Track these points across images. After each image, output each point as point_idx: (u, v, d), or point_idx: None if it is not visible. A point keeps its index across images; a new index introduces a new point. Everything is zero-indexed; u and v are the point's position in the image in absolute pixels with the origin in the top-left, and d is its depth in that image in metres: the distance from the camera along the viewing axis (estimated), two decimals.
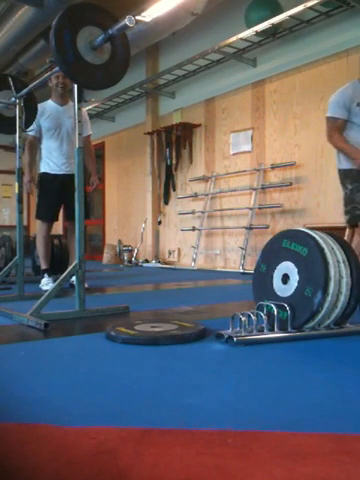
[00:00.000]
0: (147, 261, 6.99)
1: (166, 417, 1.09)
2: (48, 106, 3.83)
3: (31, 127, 3.61)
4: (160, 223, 7.21)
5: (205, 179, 6.31)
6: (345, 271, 1.89)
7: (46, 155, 3.81)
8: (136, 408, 1.16)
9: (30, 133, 3.68)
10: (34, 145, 3.84)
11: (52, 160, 3.78)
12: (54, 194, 3.79)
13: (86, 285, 3.70)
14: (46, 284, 3.68)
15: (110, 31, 2.36)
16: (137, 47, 5.80)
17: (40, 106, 3.68)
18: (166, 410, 1.14)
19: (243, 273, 5.27)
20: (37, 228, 3.91)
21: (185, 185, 6.72)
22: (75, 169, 2.56)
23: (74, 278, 3.81)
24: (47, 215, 3.83)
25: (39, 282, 3.78)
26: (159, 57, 7.18)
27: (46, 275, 3.77)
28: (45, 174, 3.80)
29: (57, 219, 3.91)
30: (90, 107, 7.69)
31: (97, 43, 2.38)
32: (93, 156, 4.11)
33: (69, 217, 3.79)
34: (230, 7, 5.77)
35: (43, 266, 3.83)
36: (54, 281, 3.59)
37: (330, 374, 1.46)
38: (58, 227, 9.92)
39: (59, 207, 3.89)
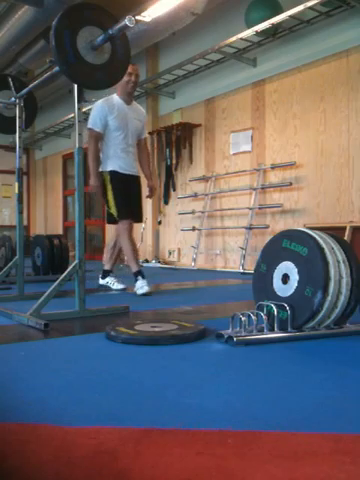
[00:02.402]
0: (147, 261, 6.99)
1: (166, 417, 1.09)
2: (116, 103, 3.60)
3: (91, 121, 3.52)
4: (160, 223, 7.21)
5: (205, 179, 6.31)
6: (345, 271, 1.89)
7: (114, 154, 3.56)
8: (136, 408, 1.16)
9: (97, 128, 3.51)
10: (99, 141, 3.59)
11: (120, 159, 3.59)
12: (127, 191, 3.61)
13: (123, 286, 3.71)
14: (141, 287, 3.43)
15: (110, 31, 2.36)
16: (137, 47, 5.80)
17: (106, 101, 3.56)
18: (166, 410, 1.14)
19: (243, 273, 5.27)
20: (120, 230, 3.62)
21: (185, 185, 6.72)
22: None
23: (103, 280, 3.79)
24: (130, 213, 3.61)
25: (39, 282, 3.77)
26: (159, 57, 7.18)
27: (139, 278, 3.48)
28: (115, 173, 3.56)
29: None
30: (90, 107, 7.68)
31: (97, 43, 2.39)
32: (149, 160, 3.93)
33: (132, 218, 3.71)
34: (230, 7, 5.77)
35: (134, 269, 3.54)
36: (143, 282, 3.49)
37: (330, 374, 1.46)
38: (58, 227, 9.95)
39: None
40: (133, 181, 3.64)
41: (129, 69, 3.39)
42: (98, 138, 3.55)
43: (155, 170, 7.12)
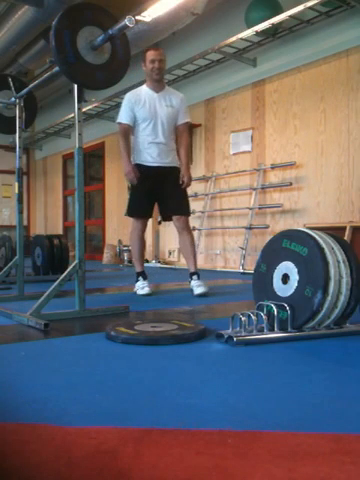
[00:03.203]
0: (147, 261, 6.99)
1: (166, 417, 1.09)
2: (143, 93, 3.50)
3: (119, 115, 3.49)
4: (160, 223, 7.18)
5: (205, 179, 6.31)
6: (345, 271, 1.89)
7: (141, 147, 3.48)
8: (136, 408, 1.16)
9: (123, 121, 3.46)
10: (128, 133, 3.51)
11: (146, 151, 3.46)
12: (146, 189, 3.47)
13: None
14: (141, 288, 3.43)
15: (110, 31, 2.36)
16: (137, 47, 5.80)
17: (133, 93, 3.51)
18: (166, 410, 1.14)
19: (243, 273, 5.27)
20: (131, 227, 3.60)
21: None
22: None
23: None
24: (138, 211, 3.53)
25: (39, 282, 3.76)
26: None
27: (141, 278, 3.48)
28: (139, 166, 3.46)
29: (151, 216, 3.61)
30: (90, 107, 7.69)
31: (97, 43, 2.39)
32: (188, 148, 3.61)
33: (164, 215, 3.62)
34: (230, 7, 5.77)
35: (137, 269, 3.53)
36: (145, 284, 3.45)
37: (330, 374, 1.46)
38: (58, 227, 9.95)
39: (152, 203, 3.57)
40: (164, 173, 3.46)
41: (151, 56, 3.39)
42: (125, 131, 3.49)
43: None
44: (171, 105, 3.48)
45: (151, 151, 3.46)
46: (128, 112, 3.47)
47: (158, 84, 3.49)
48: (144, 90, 3.52)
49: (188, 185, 3.53)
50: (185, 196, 3.58)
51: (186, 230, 3.53)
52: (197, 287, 3.38)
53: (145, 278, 3.52)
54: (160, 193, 3.51)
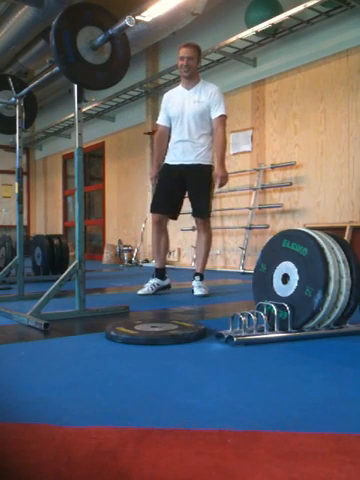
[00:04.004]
0: (147, 261, 6.99)
1: (166, 417, 1.09)
2: (176, 92, 3.50)
3: (159, 117, 3.50)
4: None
5: None
6: (345, 271, 1.89)
7: (170, 146, 3.48)
8: (136, 408, 1.16)
9: (157, 122, 3.52)
10: (162, 135, 3.51)
11: (172, 150, 3.45)
12: (168, 185, 3.43)
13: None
14: (144, 287, 3.43)
15: (110, 31, 2.36)
16: (137, 47, 5.81)
17: (169, 93, 3.52)
18: (166, 410, 1.14)
19: (243, 273, 5.27)
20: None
21: None
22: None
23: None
24: (154, 207, 3.48)
25: (39, 282, 3.75)
26: (159, 57, 7.18)
27: (153, 275, 3.50)
28: (165, 165, 3.48)
29: (171, 213, 3.51)
30: (90, 107, 7.69)
31: (97, 43, 2.39)
32: (222, 143, 3.36)
33: (193, 213, 3.49)
34: (230, 7, 5.77)
35: (155, 265, 3.55)
36: (158, 283, 3.44)
37: (330, 374, 1.46)
38: (58, 227, 9.95)
39: (173, 200, 3.48)
40: (187, 171, 3.38)
41: (180, 53, 3.36)
42: (159, 133, 3.53)
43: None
44: (199, 100, 3.36)
45: (176, 150, 3.44)
46: (162, 113, 3.51)
47: (188, 81, 3.42)
48: (178, 89, 3.52)
49: (222, 184, 3.34)
50: (204, 196, 3.40)
51: (202, 231, 3.50)
52: (197, 288, 3.40)
53: (158, 276, 3.49)
54: (181, 191, 3.48)
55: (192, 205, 3.47)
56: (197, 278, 3.47)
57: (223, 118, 3.37)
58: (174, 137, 3.46)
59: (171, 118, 3.46)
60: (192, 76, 3.40)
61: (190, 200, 3.49)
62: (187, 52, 3.35)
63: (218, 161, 3.34)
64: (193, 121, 3.36)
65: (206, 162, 3.40)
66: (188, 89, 3.43)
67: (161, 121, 3.52)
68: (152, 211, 3.52)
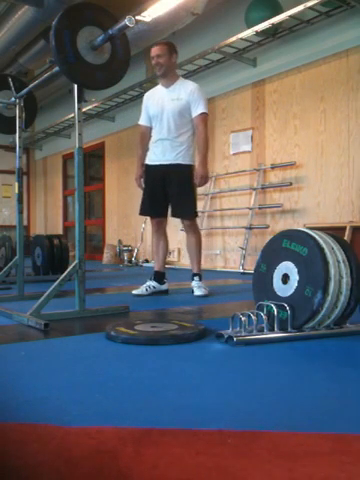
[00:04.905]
0: (147, 261, 6.99)
1: (166, 417, 1.09)
2: (156, 92, 3.49)
3: (141, 117, 3.47)
4: None
5: None
6: (345, 271, 1.89)
7: (150, 146, 3.45)
8: (136, 408, 1.16)
9: (139, 123, 3.51)
10: (144, 136, 3.48)
11: (152, 150, 3.42)
12: (153, 187, 3.41)
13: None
14: (142, 287, 3.41)
15: (110, 31, 2.36)
16: (137, 47, 5.81)
17: (149, 93, 3.51)
18: (166, 410, 1.14)
19: (243, 273, 5.27)
20: None
21: None
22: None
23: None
24: (144, 211, 3.50)
25: (39, 282, 3.75)
26: None
27: (151, 277, 3.47)
28: (146, 166, 3.45)
29: (159, 215, 3.46)
30: (90, 107, 7.69)
31: (97, 43, 2.39)
32: (202, 142, 3.32)
33: (172, 213, 3.46)
34: (230, 7, 5.77)
35: (154, 267, 3.53)
36: (156, 286, 3.43)
37: (330, 374, 1.46)
38: (58, 227, 9.95)
39: (158, 201, 3.42)
40: (167, 171, 3.34)
41: (151, 53, 3.38)
42: (141, 133, 3.51)
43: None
44: (178, 98, 3.33)
45: (156, 149, 3.40)
46: (143, 112, 3.49)
47: (166, 80, 3.41)
48: (158, 88, 3.51)
49: (201, 184, 3.34)
50: (187, 196, 3.36)
51: (190, 232, 3.46)
52: (197, 289, 3.40)
53: (156, 279, 3.47)
54: (165, 192, 3.41)
55: (173, 206, 3.42)
56: (196, 278, 3.46)
57: (204, 116, 3.33)
58: (154, 136, 3.43)
59: (151, 117, 3.44)
60: (167, 74, 3.38)
61: (171, 201, 3.42)
62: (156, 51, 3.36)
63: (199, 160, 3.32)
64: (172, 119, 3.32)
65: (186, 162, 3.35)
66: (167, 87, 3.41)
67: (142, 121, 3.50)
68: (140, 213, 3.56)
